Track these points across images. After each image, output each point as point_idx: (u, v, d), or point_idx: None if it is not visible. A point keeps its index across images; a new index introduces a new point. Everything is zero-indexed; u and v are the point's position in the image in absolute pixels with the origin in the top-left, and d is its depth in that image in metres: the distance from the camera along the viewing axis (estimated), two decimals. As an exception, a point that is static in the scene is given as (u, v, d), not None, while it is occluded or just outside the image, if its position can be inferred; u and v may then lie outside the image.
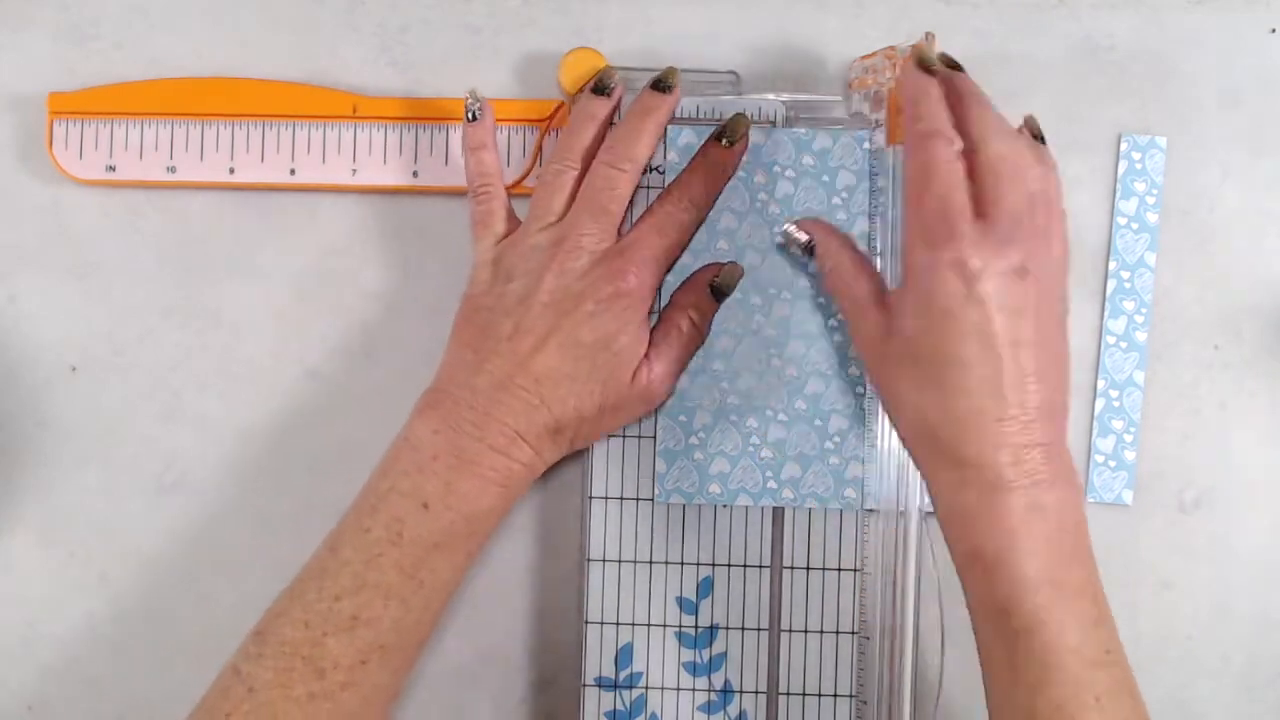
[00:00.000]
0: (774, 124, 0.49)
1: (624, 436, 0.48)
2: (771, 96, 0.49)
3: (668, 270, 0.47)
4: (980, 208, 0.40)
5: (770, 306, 0.48)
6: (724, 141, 0.46)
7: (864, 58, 0.48)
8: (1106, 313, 0.50)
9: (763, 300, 0.48)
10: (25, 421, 0.50)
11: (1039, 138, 0.43)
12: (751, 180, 0.48)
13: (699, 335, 0.47)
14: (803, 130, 0.48)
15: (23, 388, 0.50)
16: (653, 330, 0.46)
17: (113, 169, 0.49)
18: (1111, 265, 0.50)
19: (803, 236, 0.47)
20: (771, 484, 0.48)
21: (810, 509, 0.48)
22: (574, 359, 0.43)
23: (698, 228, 0.47)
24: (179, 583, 0.50)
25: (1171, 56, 0.51)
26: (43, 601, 0.50)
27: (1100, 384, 0.50)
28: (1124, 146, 0.50)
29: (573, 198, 0.45)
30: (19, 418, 0.50)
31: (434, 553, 0.42)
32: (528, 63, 0.51)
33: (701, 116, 0.49)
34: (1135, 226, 0.50)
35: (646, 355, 0.45)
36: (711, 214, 0.48)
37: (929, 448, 0.41)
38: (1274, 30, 0.51)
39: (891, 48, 0.47)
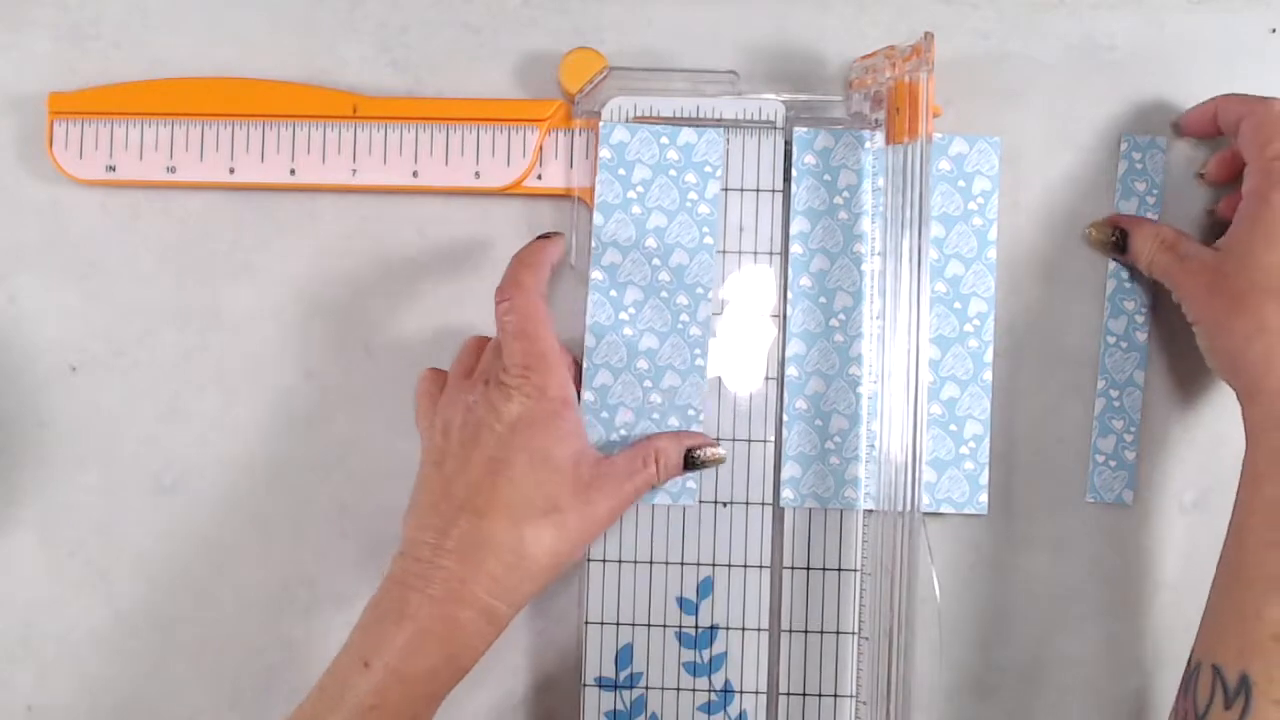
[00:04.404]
0: (774, 124, 0.49)
1: (624, 436, 0.48)
2: (771, 96, 0.49)
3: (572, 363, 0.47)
4: None
5: (696, 306, 0.48)
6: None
7: (864, 58, 0.48)
8: (1107, 312, 0.50)
9: (689, 300, 0.48)
10: (25, 421, 0.50)
11: None
12: (681, 180, 0.48)
13: (649, 481, 0.46)
14: (804, 130, 0.48)
15: (23, 388, 0.50)
16: (619, 454, 0.45)
17: (113, 169, 0.49)
18: (1111, 265, 0.50)
19: (1106, 236, 0.48)
20: (690, 483, 0.48)
21: (810, 509, 0.48)
22: (508, 485, 0.42)
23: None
24: (179, 583, 0.50)
25: (1171, 56, 0.51)
26: (43, 601, 0.50)
27: (1100, 384, 0.50)
28: (1124, 146, 0.50)
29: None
30: (19, 418, 0.50)
31: (370, 715, 0.40)
32: (528, 63, 0.51)
33: (702, 117, 0.49)
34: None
35: (598, 457, 0.44)
36: (640, 214, 0.48)
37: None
38: (1274, 30, 0.51)
39: (891, 47, 0.47)
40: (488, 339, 0.47)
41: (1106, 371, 0.49)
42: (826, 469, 0.48)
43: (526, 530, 0.42)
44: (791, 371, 0.48)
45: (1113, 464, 0.49)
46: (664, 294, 0.48)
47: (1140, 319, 0.49)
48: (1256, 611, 0.40)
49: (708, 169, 0.48)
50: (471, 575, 0.41)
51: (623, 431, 0.48)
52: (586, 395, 0.48)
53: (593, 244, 0.48)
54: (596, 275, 0.48)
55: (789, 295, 0.48)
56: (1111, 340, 0.50)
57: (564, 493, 0.43)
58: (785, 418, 0.48)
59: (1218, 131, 0.48)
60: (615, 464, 0.45)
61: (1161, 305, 0.50)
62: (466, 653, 0.42)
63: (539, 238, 0.46)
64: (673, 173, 0.48)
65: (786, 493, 0.48)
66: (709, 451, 0.47)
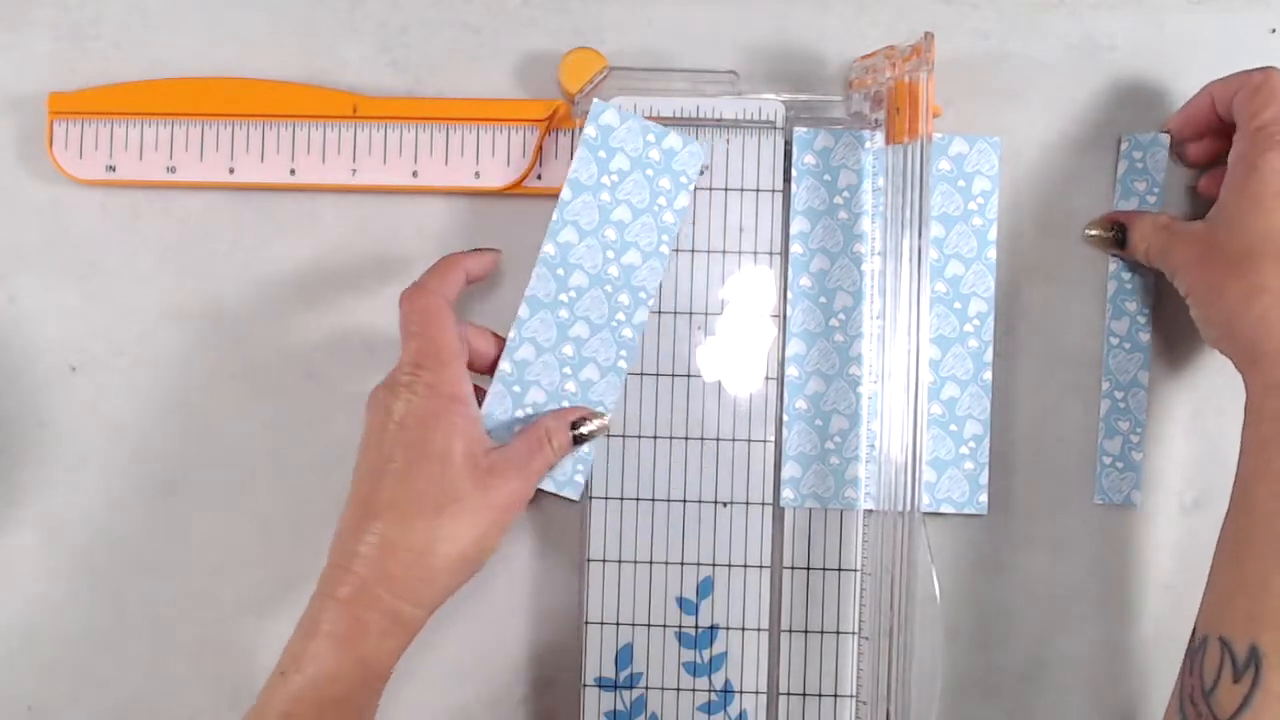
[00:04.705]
0: (774, 124, 0.49)
1: (624, 436, 0.48)
2: (771, 96, 0.49)
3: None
4: None
5: (634, 309, 0.48)
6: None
7: (864, 58, 0.48)
8: (1109, 314, 0.50)
9: (630, 301, 0.48)
10: (25, 421, 0.50)
11: None
12: (655, 182, 0.48)
13: (547, 459, 0.46)
14: (805, 130, 0.48)
15: (23, 388, 0.50)
16: (514, 440, 0.45)
17: (113, 169, 0.49)
18: (1112, 266, 0.50)
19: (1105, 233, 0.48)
20: (578, 476, 0.48)
21: (810, 509, 0.48)
22: (400, 484, 0.42)
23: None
24: (179, 583, 0.50)
25: (1171, 56, 0.51)
26: (43, 601, 0.50)
27: (1105, 385, 0.49)
28: (1124, 146, 0.50)
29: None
30: (19, 418, 0.50)
31: None
32: (528, 63, 0.51)
33: (702, 117, 0.49)
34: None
35: (490, 452, 0.44)
36: (608, 202, 0.48)
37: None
38: (1274, 30, 0.51)
39: (891, 47, 0.47)
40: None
41: (1110, 373, 0.49)
42: (826, 469, 0.48)
43: (419, 526, 0.41)
44: (791, 371, 0.48)
45: (1120, 465, 0.49)
46: (608, 287, 0.48)
47: (1143, 319, 0.49)
48: (1264, 581, 0.39)
49: (683, 179, 0.48)
50: (374, 577, 0.41)
51: (529, 410, 0.47)
52: (504, 366, 0.47)
53: (553, 217, 0.48)
54: (549, 250, 0.48)
55: (789, 295, 0.48)
56: (1114, 341, 0.49)
57: (459, 485, 0.42)
58: (785, 418, 0.48)
59: (1216, 121, 0.47)
60: (512, 450, 0.44)
61: (1163, 305, 0.50)
62: (377, 656, 0.41)
63: (469, 250, 0.47)
64: (649, 172, 0.48)
65: (787, 493, 0.48)
66: (594, 423, 0.47)
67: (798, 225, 0.48)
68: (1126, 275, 0.50)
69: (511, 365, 0.48)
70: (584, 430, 0.47)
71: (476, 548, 0.43)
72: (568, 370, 0.48)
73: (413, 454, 0.42)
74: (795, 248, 0.48)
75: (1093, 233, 0.49)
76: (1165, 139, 0.49)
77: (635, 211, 0.48)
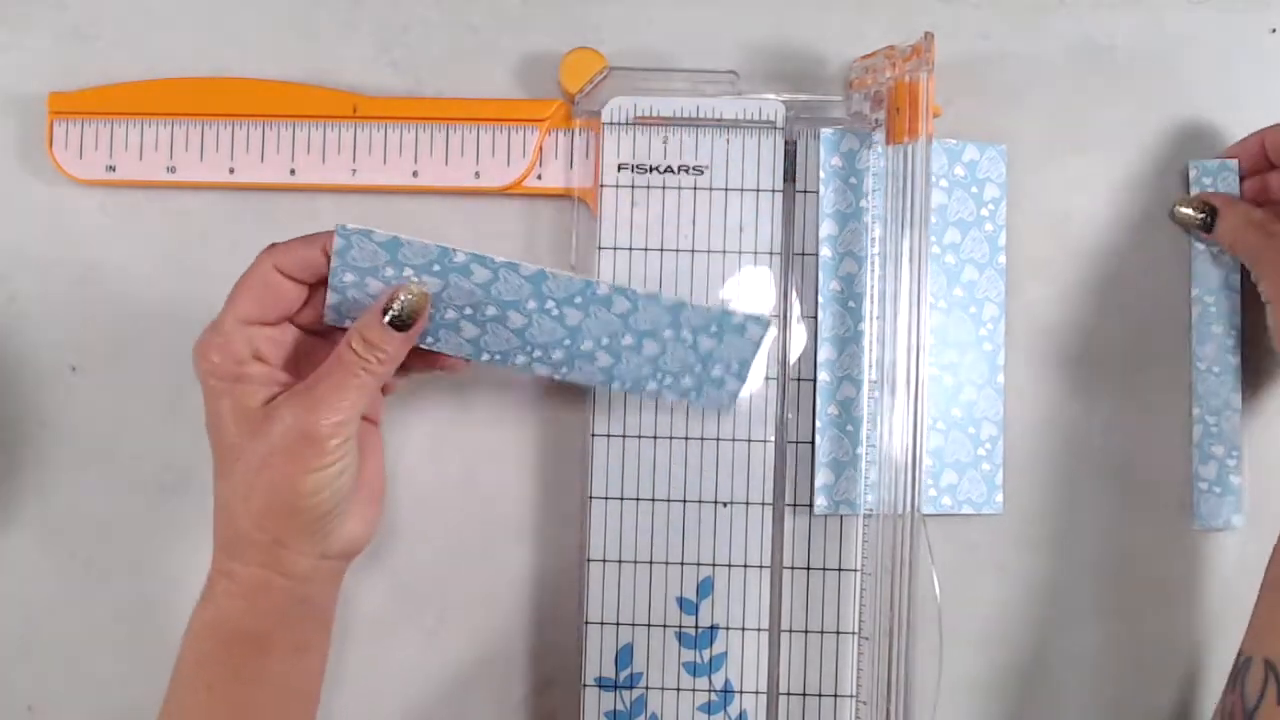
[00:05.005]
0: (774, 124, 0.49)
1: (624, 436, 0.48)
2: (771, 96, 0.49)
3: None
4: None
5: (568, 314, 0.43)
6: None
7: (864, 58, 0.48)
8: (1195, 340, 0.49)
9: (556, 305, 0.43)
10: (25, 421, 0.50)
11: None
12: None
13: (372, 376, 0.41)
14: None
15: (23, 388, 0.50)
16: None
17: (113, 169, 0.49)
18: (1195, 291, 0.50)
19: (1195, 214, 0.48)
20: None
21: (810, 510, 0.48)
22: (211, 437, 0.41)
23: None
24: (179, 583, 0.50)
25: (1171, 56, 0.51)
26: (43, 601, 0.50)
27: (1196, 410, 0.49)
28: (1193, 173, 0.50)
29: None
30: (19, 418, 0.50)
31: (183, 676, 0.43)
32: (528, 63, 0.51)
33: (702, 117, 0.49)
34: (1215, 251, 0.50)
35: (290, 391, 0.41)
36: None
37: None
38: (1274, 30, 0.51)
39: (891, 47, 0.47)
40: None
41: (1201, 398, 0.49)
42: (858, 474, 0.48)
43: (220, 488, 0.41)
44: (823, 376, 0.48)
45: (1218, 490, 0.49)
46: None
47: (1231, 341, 0.49)
48: None
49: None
50: (215, 536, 0.42)
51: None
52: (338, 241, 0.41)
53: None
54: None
55: (819, 299, 0.48)
56: (1202, 366, 0.49)
57: (233, 442, 0.41)
58: (818, 424, 0.48)
59: (1267, 164, 0.48)
60: (308, 381, 0.41)
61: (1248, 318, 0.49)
62: (221, 606, 0.42)
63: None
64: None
65: (820, 500, 0.48)
66: (404, 299, 0.41)
67: (826, 228, 0.48)
68: (1210, 299, 0.49)
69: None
70: (398, 307, 0.41)
71: (281, 495, 0.40)
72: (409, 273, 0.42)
73: (208, 421, 0.42)
74: (824, 251, 0.48)
75: (1183, 210, 0.49)
76: (1234, 164, 0.49)
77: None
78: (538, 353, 0.44)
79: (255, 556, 0.41)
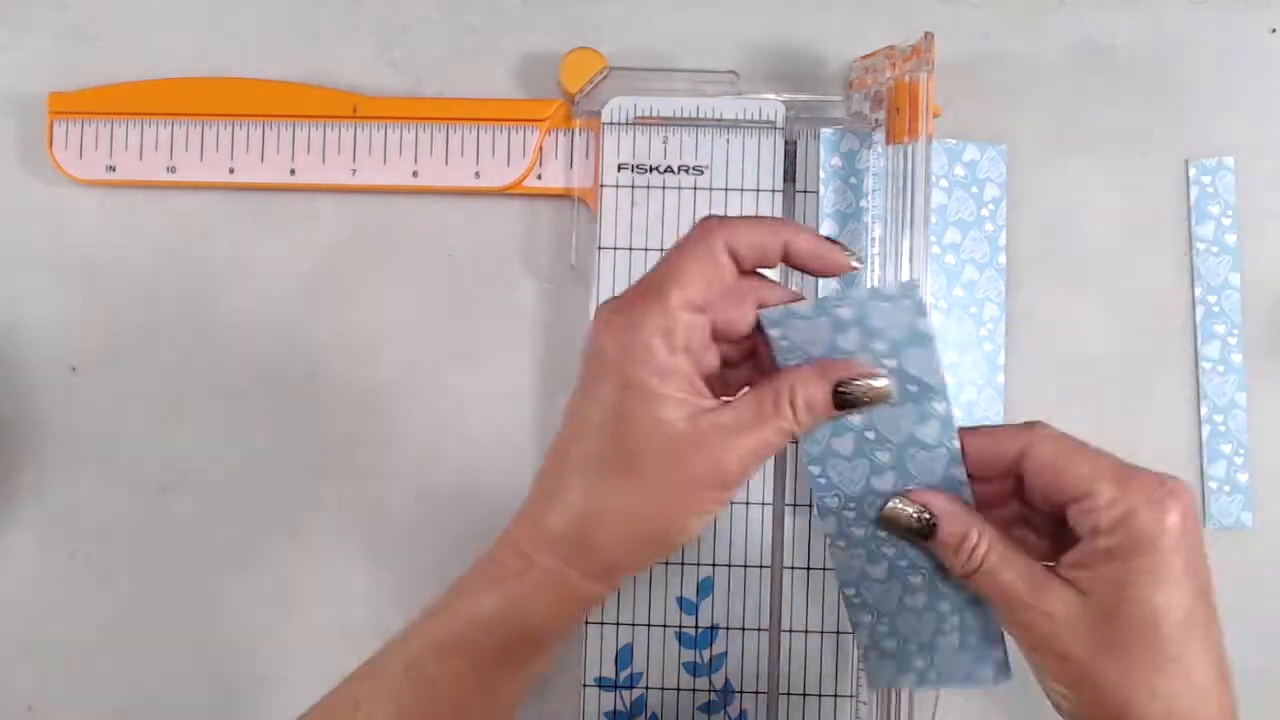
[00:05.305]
0: (774, 124, 0.49)
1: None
2: (771, 96, 0.49)
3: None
4: None
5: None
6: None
7: (864, 58, 0.48)
8: (1199, 339, 0.50)
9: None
10: (25, 421, 0.50)
11: None
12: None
13: (791, 436, 0.36)
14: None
15: (23, 388, 0.50)
16: (738, 400, 0.36)
17: (113, 169, 0.49)
18: (1198, 291, 0.50)
19: (912, 511, 0.37)
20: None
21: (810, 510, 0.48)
22: (579, 437, 0.36)
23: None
24: (179, 583, 0.50)
25: (1171, 56, 0.51)
26: (43, 601, 0.50)
27: (1204, 409, 0.49)
28: (1193, 172, 0.50)
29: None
30: (19, 418, 0.50)
31: (433, 652, 0.36)
32: (528, 63, 0.51)
33: (702, 117, 0.49)
34: (1216, 250, 0.50)
35: (709, 413, 0.35)
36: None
37: None
38: (1274, 30, 0.51)
39: (891, 48, 0.47)
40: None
41: (1208, 397, 0.49)
42: None
43: (591, 489, 0.36)
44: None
45: (1227, 488, 0.49)
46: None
47: (1234, 340, 0.49)
48: None
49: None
50: (539, 531, 0.37)
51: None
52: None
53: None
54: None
55: None
56: (1208, 366, 0.49)
57: (642, 453, 0.35)
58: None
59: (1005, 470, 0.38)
60: (733, 410, 0.35)
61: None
62: (530, 605, 0.37)
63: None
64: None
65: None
66: (866, 384, 0.36)
67: (826, 228, 0.48)
68: (1213, 298, 0.49)
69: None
70: (852, 390, 0.36)
71: (657, 526, 0.36)
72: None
73: (606, 411, 0.35)
74: None
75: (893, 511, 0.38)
76: (1231, 162, 0.50)
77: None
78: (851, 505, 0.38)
79: (583, 566, 0.36)
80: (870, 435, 0.37)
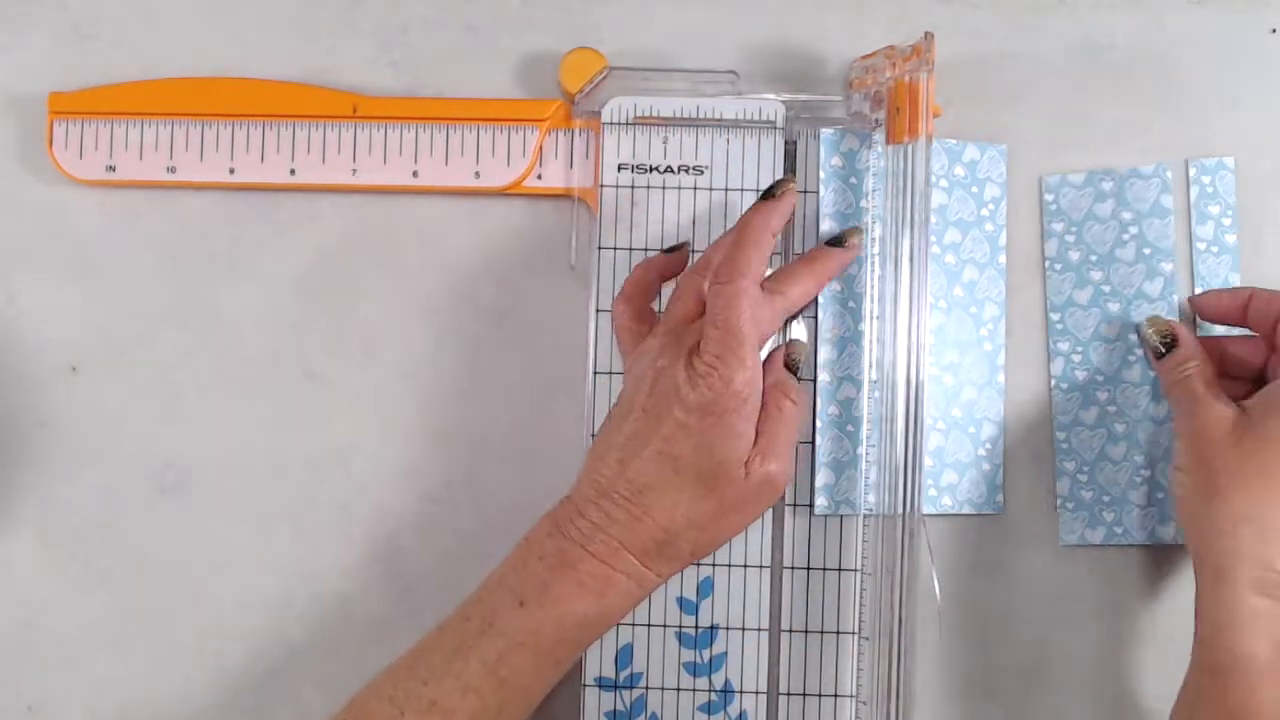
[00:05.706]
0: (774, 124, 0.49)
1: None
2: (771, 96, 0.49)
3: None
4: None
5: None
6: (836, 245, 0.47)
7: (864, 58, 0.48)
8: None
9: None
10: (25, 421, 0.50)
11: None
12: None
13: (799, 410, 0.44)
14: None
15: (23, 388, 0.50)
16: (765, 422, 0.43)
17: (113, 169, 0.49)
18: (1198, 291, 0.50)
19: (1163, 328, 0.48)
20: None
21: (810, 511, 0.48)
22: (673, 470, 0.42)
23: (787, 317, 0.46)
24: (179, 583, 0.50)
25: (1171, 56, 0.51)
26: (43, 601, 0.50)
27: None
28: (1193, 172, 0.50)
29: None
30: (19, 418, 0.50)
31: (519, 650, 0.41)
32: (528, 63, 0.51)
33: (702, 117, 0.49)
34: (1216, 250, 0.50)
35: (756, 445, 0.42)
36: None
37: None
38: (1274, 30, 0.51)
39: (891, 48, 0.47)
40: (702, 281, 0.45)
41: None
42: (858, 474, 0.48)
43: (678, 516, 0.42)
44: (823, 377, 0.48)
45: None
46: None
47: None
48: None
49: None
50: (627, 542, 0.42)
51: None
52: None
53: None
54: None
55: (819, 299, 0.48)
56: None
57: (719, 492, 0.42)
58: (819, 424, 0.48)
59: (1241, 320, 0.48)
60: (763, 436, 0.43)
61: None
62: (616, 607, 0.43)
63: (765, 197, 0.45)
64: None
65: (820, 500, 0.48)
66: (794, 351, 0.45)
67: (826, 228, 0.48)
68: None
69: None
70: (791, 359, 0.45)
71: (726, 532, 0.43)
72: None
73: (691, 446, 0.41)
74: None
75: (1148, 330, 0.48)
76: (1231, 162, 0.49)
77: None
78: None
79: (667, 569, 0.43)
80: (1106, 289, 0.49)
